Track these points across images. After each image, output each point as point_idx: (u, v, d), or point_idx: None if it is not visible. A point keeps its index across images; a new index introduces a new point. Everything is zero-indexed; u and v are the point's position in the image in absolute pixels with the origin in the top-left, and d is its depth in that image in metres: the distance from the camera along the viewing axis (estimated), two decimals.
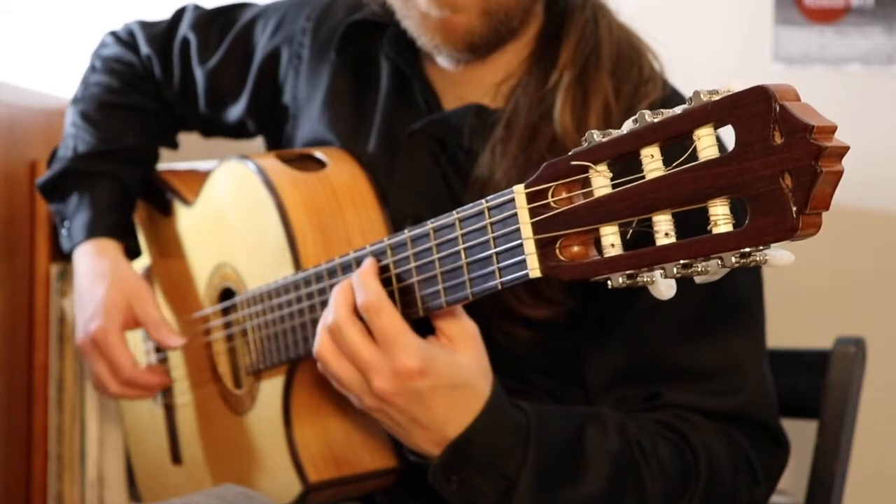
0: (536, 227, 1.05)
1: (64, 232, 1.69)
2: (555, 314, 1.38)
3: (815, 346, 1.70)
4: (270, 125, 1.70)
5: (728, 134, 0.91)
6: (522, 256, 1.07)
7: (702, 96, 0.91)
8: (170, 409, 1.73)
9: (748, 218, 0.89)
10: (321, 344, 1.25)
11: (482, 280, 1.13)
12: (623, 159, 0.98)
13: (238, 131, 1.77)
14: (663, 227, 0.95)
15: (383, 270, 1.24)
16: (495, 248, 1.11)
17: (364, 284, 1.22)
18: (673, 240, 0.95)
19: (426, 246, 1.19)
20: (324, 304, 1.32)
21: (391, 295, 1.23)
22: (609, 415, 1.33)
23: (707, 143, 0.91)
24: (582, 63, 1.42)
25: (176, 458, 1.72)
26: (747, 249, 0.90)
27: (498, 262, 1.10)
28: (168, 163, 1.79)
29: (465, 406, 1.23)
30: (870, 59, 2.25)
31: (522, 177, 1.16)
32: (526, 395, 1.37)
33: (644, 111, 0.96)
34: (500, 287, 1.11)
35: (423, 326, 1.24)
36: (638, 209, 0.96)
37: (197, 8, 1.77)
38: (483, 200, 1.11)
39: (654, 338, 1.38)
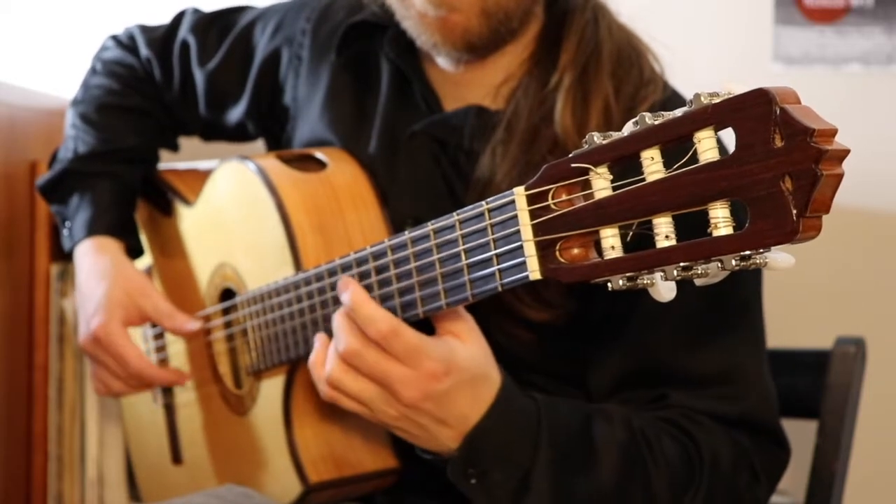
0: (537, 229, 1.05)
1: (65, 232, 1.69)
2: (555, 316, 1.38)
3: (815, 346, 1.70)
4: (271, 126, 1.70)
5: (728, 136, 0.91)
6: (523, 258, 1.07)
7: (702, 99, 0.91)
8: (170, 409, 1.73)
9: (748, 221, 0.89)
10: (335, 369, 1.24)
11: (482, 282, 1.13)
12: (623, 161, 0.98)
13: (238, 134, 1.77)
14: (663, 230, 0.95)
15: (379, 271, 1.24)
16: (495, 249, 1.10)
17: (369, 317, 1.21)
18: (673, 242, 0.95)
19: (426, 247, 1.19)
20: (324, 304, 1.32)
21: (391, 295, 1.23)
22: (614, 409, 1.34)
23: (707, 146, 0.91)
24: (582, 64, 1.42)
25: (176, 458, 1.72)
26: (747, 252, 0.90)
27: (498, 264, 1.10)
28: (168, 163, 1.80)
29: (483, 395, 1.24)
30: (870, 59, 2.25)
31: (523, 178, 1.16)
32: None
33: (644, 113, 0.95)
34: (500, 289, 1.11)
35: (421, 325, 1.24)
36: (638, 211, 0.96)
37: (196, 11, 1.78)
38: (483, 202, 1.11)
39: (657, 341, 1.38)
